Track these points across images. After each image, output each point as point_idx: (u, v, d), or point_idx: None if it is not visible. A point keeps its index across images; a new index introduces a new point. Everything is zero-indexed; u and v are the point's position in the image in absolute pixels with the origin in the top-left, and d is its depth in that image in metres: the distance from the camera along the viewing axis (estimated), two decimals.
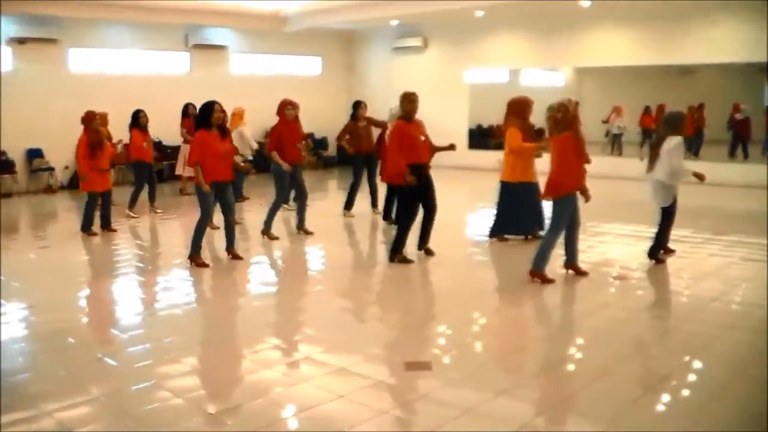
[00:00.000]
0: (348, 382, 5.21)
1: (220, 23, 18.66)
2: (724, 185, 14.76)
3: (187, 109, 14.53)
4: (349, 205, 12.40)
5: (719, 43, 16.48)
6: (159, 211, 13.03)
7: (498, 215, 9.93)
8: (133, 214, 12.53)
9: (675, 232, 8.88)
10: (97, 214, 11.20)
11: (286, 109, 10.50)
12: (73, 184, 16.15)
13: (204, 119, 8.68)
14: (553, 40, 18.65)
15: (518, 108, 9.60)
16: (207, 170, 8.53)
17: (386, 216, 11.52)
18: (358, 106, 12.34)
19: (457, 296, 7.61)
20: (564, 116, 7.47)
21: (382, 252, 9.60)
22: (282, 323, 7.02)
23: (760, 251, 9.31)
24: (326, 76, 21.57)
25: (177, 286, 8.27)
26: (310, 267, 9.62)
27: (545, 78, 22.45)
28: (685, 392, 5.14)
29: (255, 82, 19.47)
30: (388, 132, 10.68)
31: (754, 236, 10.18)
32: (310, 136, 13.42)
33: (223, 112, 8.77)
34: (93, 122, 10.88)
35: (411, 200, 8.70)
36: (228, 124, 11.92)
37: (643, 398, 4.91)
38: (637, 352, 6.07)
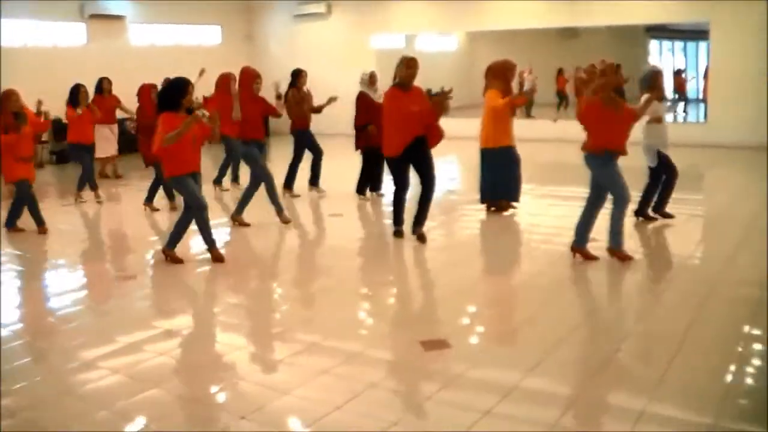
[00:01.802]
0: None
1: None
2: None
3: (101, 85, 13.35)
4: (289, 182, 11.36)
5: (608, 6, 16.59)
6: (83, 199, 11.64)
7: (487, 182, 9.51)
8: (81, 199, 11.55)
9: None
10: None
11: (255, 83, 9.33)
12: None
13: (172, 100, 7.33)
14: (453, 4, 18.38)
15: (498, 71, 9.24)
16: (178, 160, 7.38)
17: (360, 190, 10.83)
18: (298, 74, 11.18)
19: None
20: (590, 77, 7.22)
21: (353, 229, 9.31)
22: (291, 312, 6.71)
23: None
24: (226, 45, 20.78)
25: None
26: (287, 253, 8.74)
27: (439, 43, 22.50)
28: None
29: (155, 54, 18.72)
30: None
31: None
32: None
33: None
34: (9, 103, 9.18)
35: (396, 170, 8.10)
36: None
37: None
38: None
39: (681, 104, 23.05)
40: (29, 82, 11.30)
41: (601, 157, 6.93)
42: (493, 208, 9.59)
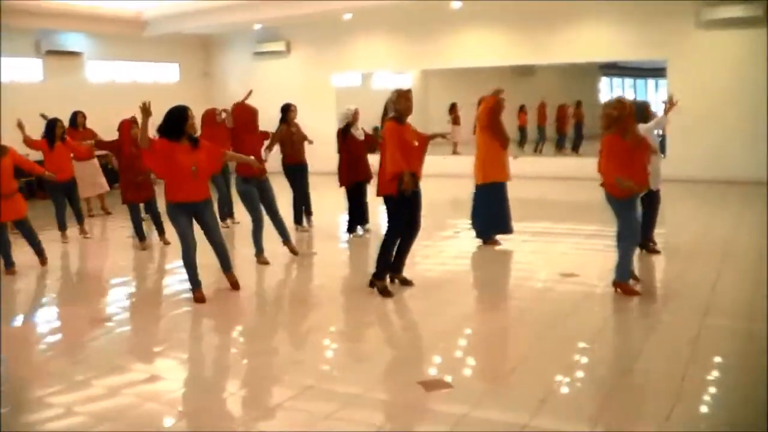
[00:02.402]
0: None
1: (75, 28, 17.27)
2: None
3: (75, 119, 13.19)
4: (299, 218, 11.09)
5: (561, 45, 16.75)
6: (88, 235, 11.39)
7: (483, 216, 9.49)
8: (65, 239, 11.01)
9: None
10: None
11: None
12: None
13: (176, 128, 7.10)
14: (411, 42, 18.49)
15: (490, 107, 9.29)
16: (174, 189, 7.18)
17: (351, 228, 10.49)
18: (288, 109, 10.76)
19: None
20: (620, 114, 6.76)
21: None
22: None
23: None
24: (184, 83, 20.48)
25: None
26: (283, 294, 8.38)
27: (394, 81, 22.49)
28: None
29: (113, 90, 18.36)
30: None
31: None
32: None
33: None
34: None
35: (400, 213, 7.35)
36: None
37: None
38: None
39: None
40: None
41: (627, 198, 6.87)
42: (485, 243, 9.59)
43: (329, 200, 12.25)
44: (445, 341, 6.12)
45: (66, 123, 11.97)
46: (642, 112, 8.06)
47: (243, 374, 5.67)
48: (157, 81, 19.85)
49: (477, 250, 9.43)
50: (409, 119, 7.34)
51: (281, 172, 10.79)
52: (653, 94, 25.11)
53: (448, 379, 5.18)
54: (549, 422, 4.46)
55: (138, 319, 7.18)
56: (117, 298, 8.05)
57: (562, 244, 9.92)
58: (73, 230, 11.23)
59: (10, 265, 9.04)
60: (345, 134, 10.21)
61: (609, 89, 25.74)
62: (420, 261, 8.69)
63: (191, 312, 7.17)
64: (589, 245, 9.77)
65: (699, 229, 10.32)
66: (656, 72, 24.55)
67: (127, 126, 10.26)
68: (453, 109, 20.56)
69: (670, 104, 8.34)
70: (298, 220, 11.03)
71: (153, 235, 10.69)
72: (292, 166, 10.86)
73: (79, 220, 11.26)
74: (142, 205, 10.43)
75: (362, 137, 10.26)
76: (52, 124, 10.84)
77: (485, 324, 6.82)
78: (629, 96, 25.24)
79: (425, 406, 4.82)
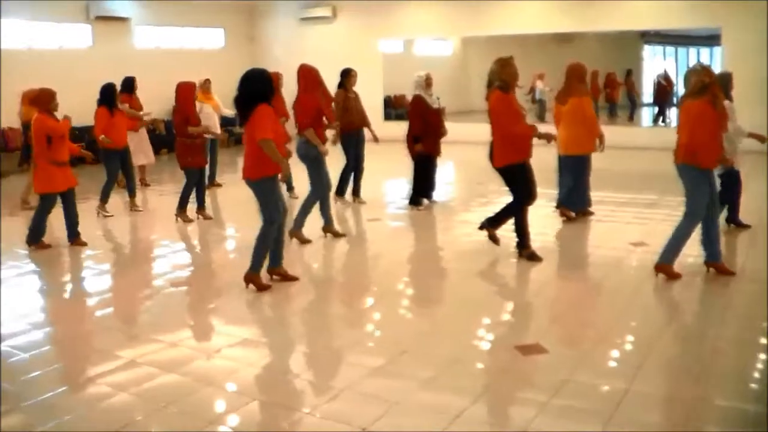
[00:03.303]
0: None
1: None
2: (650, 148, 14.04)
3: (132, 84, 12.39)
4: (357, 190, 10.57)
5: (608, 13, 16.24)
6: (140, 208, 10.72)
7: (569, 187, 8.88)
8: (105, 212, 10.24)
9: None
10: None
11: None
12: None
13: (266, 92, 6.24)
14: (456, 7, 17.91)
15: (581, 73, 8.70)
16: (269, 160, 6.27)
17: (415, 200, 10.04)
18: (348, 74, 10.27)
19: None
20: (712, 80, 6.20)
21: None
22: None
23: None
24: (229, 48, 20.13)
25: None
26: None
27: (435, 48, 21.99)
28: None
29: (159, 56, 18.02)
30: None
31: None
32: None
33: None
34: (51, 102, 8.29)
35: (525, 179, 7.14)
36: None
37: None
38: None
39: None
40: (33, 84, 10.09)
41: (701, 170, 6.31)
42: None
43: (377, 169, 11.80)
44: (532, 307, 6.23)
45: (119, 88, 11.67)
46: (725, 83, 7.43)
47: (352, 338, 5.41)
48: (202, 47, 19.49)
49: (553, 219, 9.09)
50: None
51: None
52: (696, 62, 24.28)
53: (541, 344, 5.11)
54: (648, 387, 4.42)
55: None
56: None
57: (625, 213, 9.61)
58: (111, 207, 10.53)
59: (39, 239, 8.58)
60: (418, 102, 9.68)
61: (652, 57, 24.97)
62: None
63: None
64: (652, 214, 9.48)
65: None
66: (701, 40, 23.73)
67: (188, 90, 9.69)
68: None
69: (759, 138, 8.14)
70: (342, 192, 10.51)
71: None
72: (346, 136, 10.10)
73: (132, 192, 10.68)
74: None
75: (436, 105, 9.76)
76: (111, 89, 10.30)
77: (566, 292, 6.68)
78: (672, 65, 24.45)
79: (524, 370, 4.80)
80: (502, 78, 7.01)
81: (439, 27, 18.86)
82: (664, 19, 16.00)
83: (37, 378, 4.80)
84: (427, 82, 9.69)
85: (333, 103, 9.18)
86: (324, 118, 8.12)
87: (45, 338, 5.67)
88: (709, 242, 6.55)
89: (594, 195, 9.25)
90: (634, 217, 9.43)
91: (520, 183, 7.15)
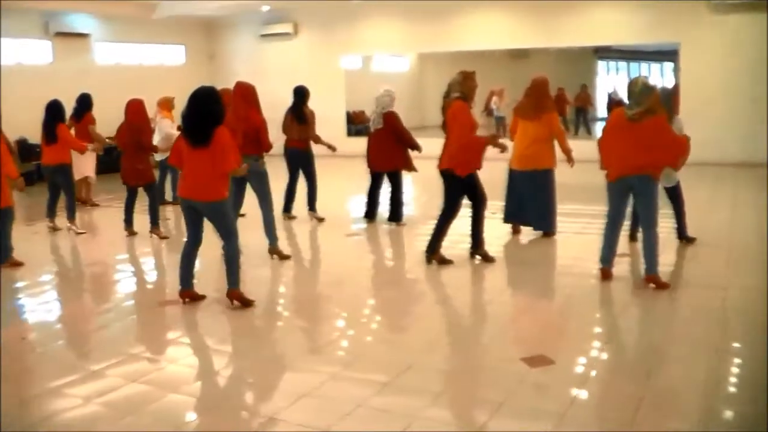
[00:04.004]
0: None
1: (84, 8, 16.70)
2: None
3: (89, 101, 12.06)
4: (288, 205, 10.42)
5: (568, 29, 16.49)
6: (81, 230, 10.19)
7: (548, 206, 8.74)
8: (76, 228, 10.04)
9: None
10: None
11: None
12: None
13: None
14: (417, 23, 17.98)
15: (548, 87, 8.59)
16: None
17: (394, 216, 9.89)
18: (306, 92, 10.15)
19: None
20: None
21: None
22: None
23: None
24: (190, 65, 20.00)
25: None
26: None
27: (392, 64, 22.02)
28: None
29: (120, 73, 17.79)
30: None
31: None
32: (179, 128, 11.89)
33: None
34: None
35: (462, 192, 7.41)
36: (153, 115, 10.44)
37: None
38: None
39: None
40: None
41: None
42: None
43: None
44: (524, 319, 6.19)
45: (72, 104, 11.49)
46: (670, 98, 7.52)
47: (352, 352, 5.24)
48: (163, 63, 19.29)
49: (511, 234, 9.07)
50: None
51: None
52: (656, 78, 24.66)
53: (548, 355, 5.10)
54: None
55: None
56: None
57: (589, 226, 9.52)
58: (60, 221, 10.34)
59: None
60: (397, 117, 9.58)
61: (605, 72, 25.23)
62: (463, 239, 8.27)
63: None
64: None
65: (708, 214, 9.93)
66: (654, 55, 24.11)
67: (139, 106, 9.60)
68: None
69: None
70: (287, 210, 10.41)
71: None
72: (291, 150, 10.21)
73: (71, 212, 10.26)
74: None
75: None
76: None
77: (555, 303, 6.70)
78: (624, 80, 24.72)
79: (537, 382, 4.73)
80: (462, 90, 7.20)
81: (398, 43, 18.92)
82: (624, 35, 16.27)
83: None
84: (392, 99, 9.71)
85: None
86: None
87: None
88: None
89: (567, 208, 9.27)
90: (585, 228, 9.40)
91: (453, 193, 7.42)
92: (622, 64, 25.61)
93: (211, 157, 6.07)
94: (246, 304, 6.36)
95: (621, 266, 7.15)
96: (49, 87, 14.30)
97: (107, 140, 12.14)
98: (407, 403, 4.43)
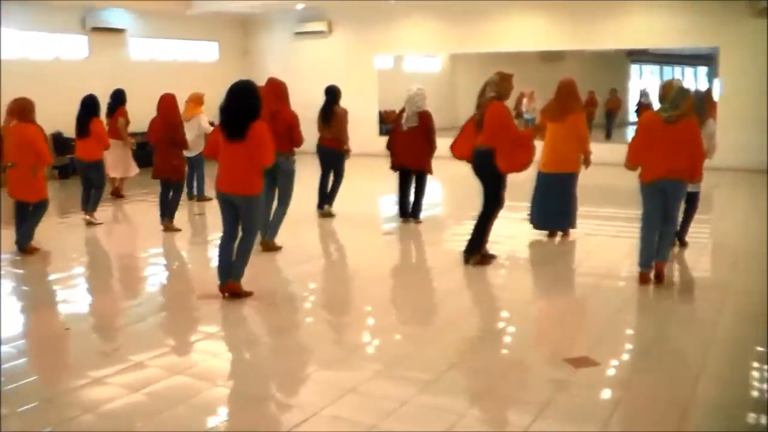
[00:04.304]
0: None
1: (120, 4, 16.67)
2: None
3: (123, 96, 12.16)
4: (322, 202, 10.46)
5: (606, 31, 16.23)
6: (98, 221, 10.19)
7: (570, 207, 8.63)
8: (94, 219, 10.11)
9: None
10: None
11: None
12: None
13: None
14: (451, 24, 17.73)
15: (576, 89, 8.45)
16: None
17: (414, 213, 9.90)
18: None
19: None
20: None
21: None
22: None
23: None
24: (223, 62, 19.97)
25: None
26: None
27: (424, 64, 21.87)
28: None
29: (154, 68, 17.82)
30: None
31: None
32: (212, 124, 11.85)
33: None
34: (33, 112, 8.26)
35: (503, 187, 7.36)
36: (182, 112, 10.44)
37: None
38: None
39: None
40: (30, 95, 9.67)
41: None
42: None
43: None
44: (566, 320, 6.13)
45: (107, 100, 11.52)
46: (705, 103, 7.38)
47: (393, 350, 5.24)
48: (197, 59, 19.28)
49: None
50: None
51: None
52: (690, 82, 24.32)
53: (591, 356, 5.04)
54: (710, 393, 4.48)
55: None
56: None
57: (627, 228, 9.33)
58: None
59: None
60: (431, 116, 9.55)
61: (638, 76, 24.94)
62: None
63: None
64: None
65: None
66: (687, 59, 23.79)
67: (172, 100, 9.59)
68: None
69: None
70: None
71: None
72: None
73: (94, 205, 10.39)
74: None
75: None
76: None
77: (594, 305, 6.56)
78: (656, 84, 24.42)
79: (581, 384, 4.65)
80: (498, 90, 7.19)
81: (430, 43, 18.74)
82: (662, 38, 15.95)
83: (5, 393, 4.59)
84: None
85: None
86: None
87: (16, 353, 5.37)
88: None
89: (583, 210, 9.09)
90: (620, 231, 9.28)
91: (502, 189, 7.34)
92: (655, 67, 25.33)
93: (247, 151, 6.08)
94: (241, 296, 6.39)
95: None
96: (84, 82, 14.43)
97: (131, 139, 12.18)
98: (451, 402, 4.36)
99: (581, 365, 4.84)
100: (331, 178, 10.27)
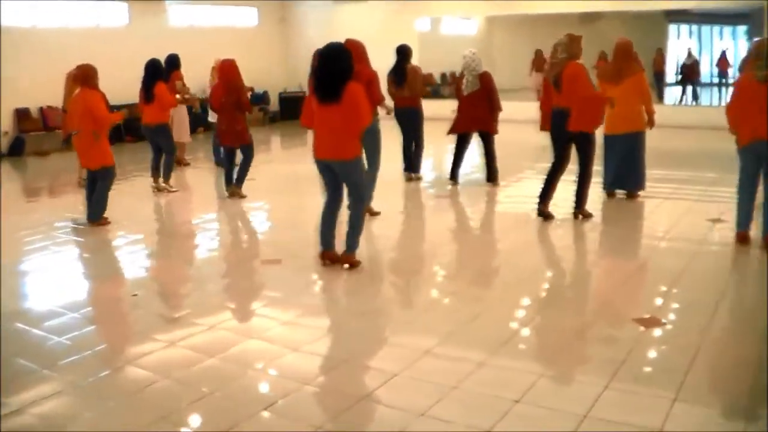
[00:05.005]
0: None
1: None
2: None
3: (178, 61, 11.76)
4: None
5: None
6: (174, 189, 10.13)
7: (639, 167, 8.52)
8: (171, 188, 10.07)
9: None
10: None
11: None
12: (14, 152, 14.22)
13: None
14: None
15: (632, 50, 8.40)
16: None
17: (491, 176, 9.81)
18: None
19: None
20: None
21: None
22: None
23: None
24: (262, 27, 19.76)
25: None
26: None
27: (461, 26, 21.49)
28: None
29: (193, 35, 17.66)
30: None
31: None
32: (251, 90, 11.68)
33: None
34: (96, 77, 8.15)
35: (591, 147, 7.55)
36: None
37: None
38: None
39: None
40: (71, 63, 9.63)
41: None
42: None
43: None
44: (635, 281, 6.08)
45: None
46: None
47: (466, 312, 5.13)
48: (235, 25, 19.10)
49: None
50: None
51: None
52: (727, 42, 23.73)
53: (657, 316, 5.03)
54: None
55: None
56: None
57: (685, 190, 9.38)
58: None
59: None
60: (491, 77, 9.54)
61: (677, 36, 24.32)
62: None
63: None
64: (714, 192, 9.12)
65: None
66: (725, 18, 23.18)
67: (233, 67, 9.38)
68: (538, 56, 19.16)
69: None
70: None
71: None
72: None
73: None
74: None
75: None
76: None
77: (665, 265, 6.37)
78: (695, 44, 23.81)
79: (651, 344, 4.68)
80: (570, 51, 7.35)
81: (468, 5, 18.35)
82: None
83: (77, 362, 4.56)
84: None
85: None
86: None
87: (83, 320, 5.37)
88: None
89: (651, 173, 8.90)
90: (697, 194, 9.15)
91: (593, 148, 7.51)
92: (694, 28, 24.71)
93: (343, 113, 5.83)
94: (355, 266, 6.25)
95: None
96: (124, 49, 14.36)
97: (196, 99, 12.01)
98: (526, 364, 4.37)
99: (650, 325, 4.84)
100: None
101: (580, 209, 7.70)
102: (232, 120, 9.27)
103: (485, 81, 9.39)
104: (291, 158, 14.06)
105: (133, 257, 7.28)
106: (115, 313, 5.69)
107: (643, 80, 8.31)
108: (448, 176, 9.98)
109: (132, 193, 10.10)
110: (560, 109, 7.39)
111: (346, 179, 6.15)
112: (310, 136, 6.63)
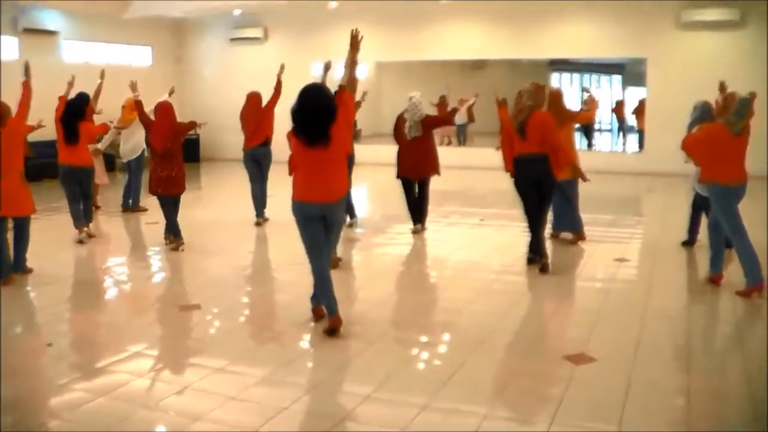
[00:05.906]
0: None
1: (55, 5, 15.93)
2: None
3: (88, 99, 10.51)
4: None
5: (539, 41, 16.44)
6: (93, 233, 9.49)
7: (571, 210, 8.65)
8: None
9: None
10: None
11: None
12: None
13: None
14: (383, 33, 17.44)
15: (562, 101, 8.52)
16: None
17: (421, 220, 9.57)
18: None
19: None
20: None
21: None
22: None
23: None
24: (156, 66, 19.34)
25: None
26: None
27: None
28: None
29: (87, 72, 17.01)
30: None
31: None
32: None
33: None
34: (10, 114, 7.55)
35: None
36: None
37: None
38: None
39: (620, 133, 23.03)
40: None
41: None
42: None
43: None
44: (557, 319, 6.26)
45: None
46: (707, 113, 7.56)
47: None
48: (131, 64, 18.57)
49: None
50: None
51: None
52: (606, 91, 24.81)
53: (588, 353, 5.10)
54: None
55: None
56: None
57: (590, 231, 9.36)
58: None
59: None
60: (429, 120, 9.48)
61: (558, 84, 25.18)
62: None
63: None
64: (614, 233, 9.60)
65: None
66: (604, 68, 24.27)
67: (169, 108, 8.61)
68: (442, 101, 19.43)
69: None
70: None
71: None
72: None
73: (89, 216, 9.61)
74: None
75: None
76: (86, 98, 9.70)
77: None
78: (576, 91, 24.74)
79: (583, 376, 4.72)
80: (535, 99, 7.42)
81: (374, 51, 18.30)
82: (597, 48, 16.30)
83: None
84: None
85: None
86: None
87: None
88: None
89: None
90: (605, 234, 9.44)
91: (550, 198, 7.72)
92: (575, 76, 25.70)
93: (333, 154, 5.51)
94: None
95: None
96: (15, 84, 13.65)
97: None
98: (468, 408, 4.34)
99: (580, 362, 4.92)
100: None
101: (541, 254, 7.47)
102: (176, 166, 8.51)
103: (427, 124, 9.28)
104: (201, 201, 13.24)
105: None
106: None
107: (571, 131, 8.69)
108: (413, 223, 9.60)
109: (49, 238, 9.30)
110: (524, 155, 7.38)
111: (338, 220, 5.79)
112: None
